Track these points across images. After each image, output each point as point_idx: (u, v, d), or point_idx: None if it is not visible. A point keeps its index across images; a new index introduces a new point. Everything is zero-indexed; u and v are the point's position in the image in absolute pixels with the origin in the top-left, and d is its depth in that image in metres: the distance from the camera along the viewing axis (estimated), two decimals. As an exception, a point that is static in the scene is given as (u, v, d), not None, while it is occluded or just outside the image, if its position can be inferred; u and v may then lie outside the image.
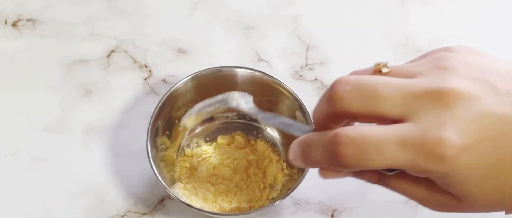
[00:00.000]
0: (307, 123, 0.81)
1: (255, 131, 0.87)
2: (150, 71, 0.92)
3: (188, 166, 0.84)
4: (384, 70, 0.57)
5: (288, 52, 0.94)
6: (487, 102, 0.52)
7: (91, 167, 0.85)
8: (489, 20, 0.98)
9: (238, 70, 0.84)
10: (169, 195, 0.83)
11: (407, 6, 0.98)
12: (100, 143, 0.87)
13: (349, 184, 0.85)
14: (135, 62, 0.93)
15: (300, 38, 0.95)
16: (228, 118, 0.88)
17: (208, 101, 0.75)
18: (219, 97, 0.74)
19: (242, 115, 0.87)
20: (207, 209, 0.81)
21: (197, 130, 0.87)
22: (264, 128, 0.87)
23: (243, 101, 0.72)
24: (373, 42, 0.95)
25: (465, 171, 0.52)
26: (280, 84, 0.83)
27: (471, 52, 0.57)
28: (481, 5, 0.99)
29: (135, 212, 0.83)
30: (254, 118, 0.86)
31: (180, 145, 0.86)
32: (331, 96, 0.55)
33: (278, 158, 0.85)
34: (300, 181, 0.77)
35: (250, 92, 0.84)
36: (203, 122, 0.87)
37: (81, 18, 0.96)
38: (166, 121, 0.83)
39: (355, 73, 0.59)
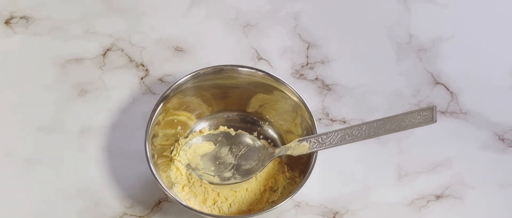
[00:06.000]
0: (310, 122, 0.80)
1: (256, 132, 0.86)
2: (146, 70, 0.91)
3: (187, 167, 0.83)
4: None
5: (288, 51, 0.94)
6: None
7: (86, 168, 0.84)
8: (494, 18, 0.97)
9: (239, 69, 0.83)
10: (167, 197, 0.82)
11: (410, 3, 0.97)
12: (96, 144, 0.86)
13: (351, 186, 0.84)
14: (131, 60, 0.92)
15: (300, 36, 0.95)
16: (229, 118, 0.87)
17: None
18: None
19: (243, 115, 0.87)
20: (206, 211, 0.80)
21: (197, 131, 0.86)
22: (266, 129, 0.86)
23: None
24: (375, 40, 0.95)
25: None
26: (282, 83, 0.82)
27: None
28: (485, 3, 0.98)
29: (131, 215, 0.82)
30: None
31: (178, 146, 0.85)
32: None
33: (279, 160, 0.84)
34: (302, 184, 0.76)
35: (252, 91, 0.84)
36: (203, 122, 0.87)
37: (75, 16, 0.95)
38: (164, 121, 0.82)
39: None
